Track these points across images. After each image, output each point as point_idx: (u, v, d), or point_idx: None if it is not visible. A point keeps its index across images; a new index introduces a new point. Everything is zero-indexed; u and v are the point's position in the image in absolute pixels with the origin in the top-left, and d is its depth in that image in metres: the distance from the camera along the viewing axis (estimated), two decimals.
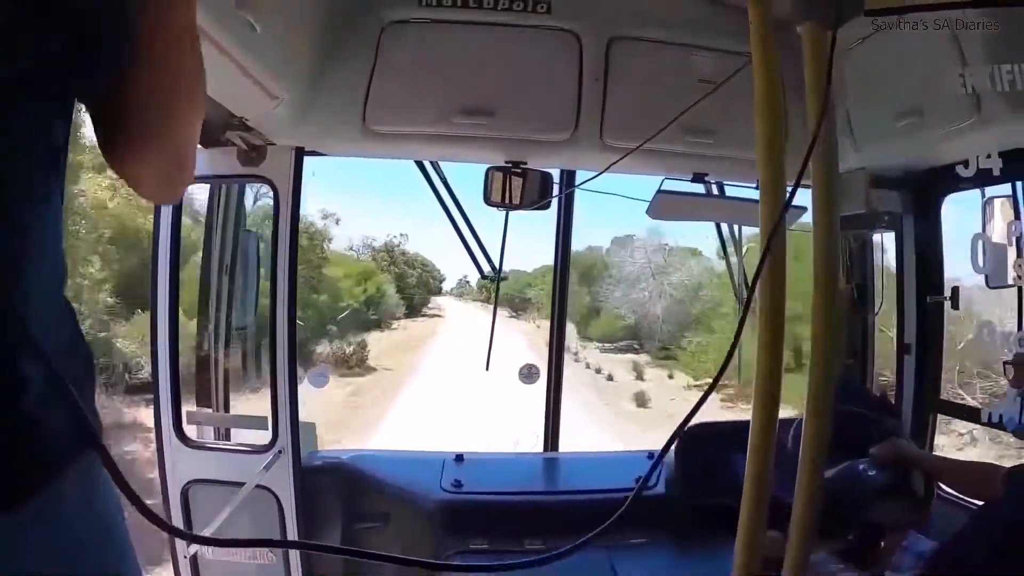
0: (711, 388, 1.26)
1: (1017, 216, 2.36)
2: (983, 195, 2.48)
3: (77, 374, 0.90)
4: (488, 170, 2.46)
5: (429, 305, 28.13)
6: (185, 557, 2.50)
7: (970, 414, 2.80)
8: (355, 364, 18.42)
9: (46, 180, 0.86)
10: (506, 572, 1.04)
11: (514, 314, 25.50)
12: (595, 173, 2.55)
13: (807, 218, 1.47)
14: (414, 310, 26.14)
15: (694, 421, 2.78)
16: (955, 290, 2.64)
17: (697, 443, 2.57)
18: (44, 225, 0.85)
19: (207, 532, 2.38)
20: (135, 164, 0.97)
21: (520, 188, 2.44)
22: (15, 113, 0.79)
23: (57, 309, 0.89)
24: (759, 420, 1.32)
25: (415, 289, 26.84)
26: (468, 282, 29.01)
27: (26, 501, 0.78)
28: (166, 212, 2.46)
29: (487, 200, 2.45)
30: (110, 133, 0.94)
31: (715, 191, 2.68)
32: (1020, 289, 2.33)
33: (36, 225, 0.83)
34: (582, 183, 2.49)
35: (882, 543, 2.22)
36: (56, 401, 0.83)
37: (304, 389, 2.65)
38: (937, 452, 2.92)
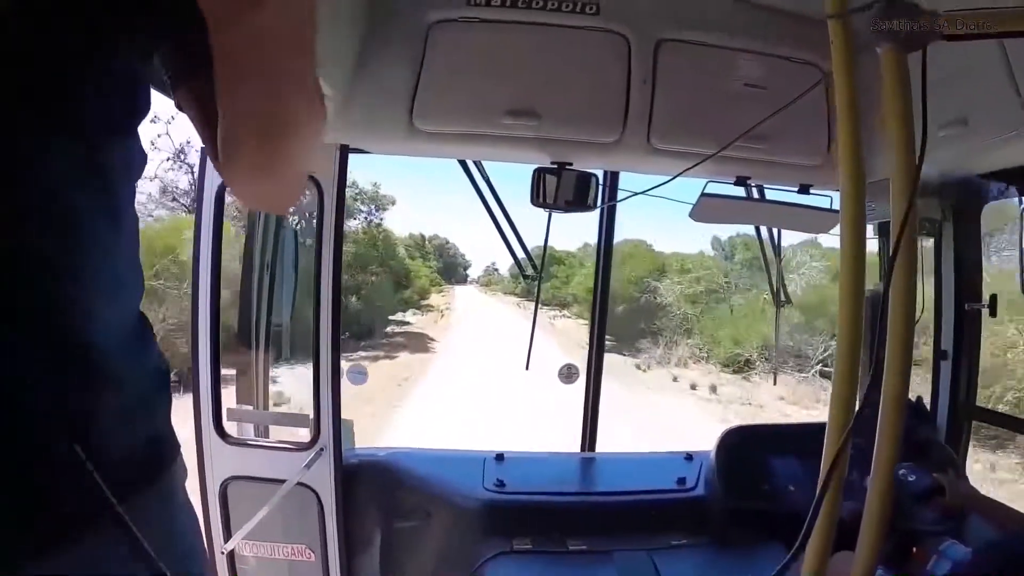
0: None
1: None
2: (1021, 203, 2.49)
3: (152, 388, 0.89)
4: (535, 171, 2.46)
5: (424, 306, 18.12)
6: (222, 553, 2.51)
7: (1007, 422, 2.82)
8: None
9: (125, 177, 0.84)
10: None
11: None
12: (640, 174, 2.57)
13: None
14: (374, 338, 14.53)
15: (733, 424, 2.78)
16: (993, 297, 2.65)
17: (736, 446, 2.59)
18: (121, 231, 0.83)
19: (246, 529, 2.39)
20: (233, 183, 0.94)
21: (566, 189, 2.44)
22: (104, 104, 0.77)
23: (133, 320, 0.87)
24: (834, 426, 1.32)
25: (372, 297, 14.68)
26: (496, 269, 24.00)
27: (102, 522, 0.77)
28: (207, 210, 2.45)
29: (533, 201, 2.45)
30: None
31: (755, 194, 2.68)
32: None
33: (114, 231, 0.81)
34: (645, 191, 2.49)
35: (916, 548, 2.23)
36: (134, 418, 0.82)
37: None
38: None
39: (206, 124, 0.89)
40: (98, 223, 0.78)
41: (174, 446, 0.92)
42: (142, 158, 0.88)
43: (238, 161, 0.85)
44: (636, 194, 2.66)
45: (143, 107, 0.86)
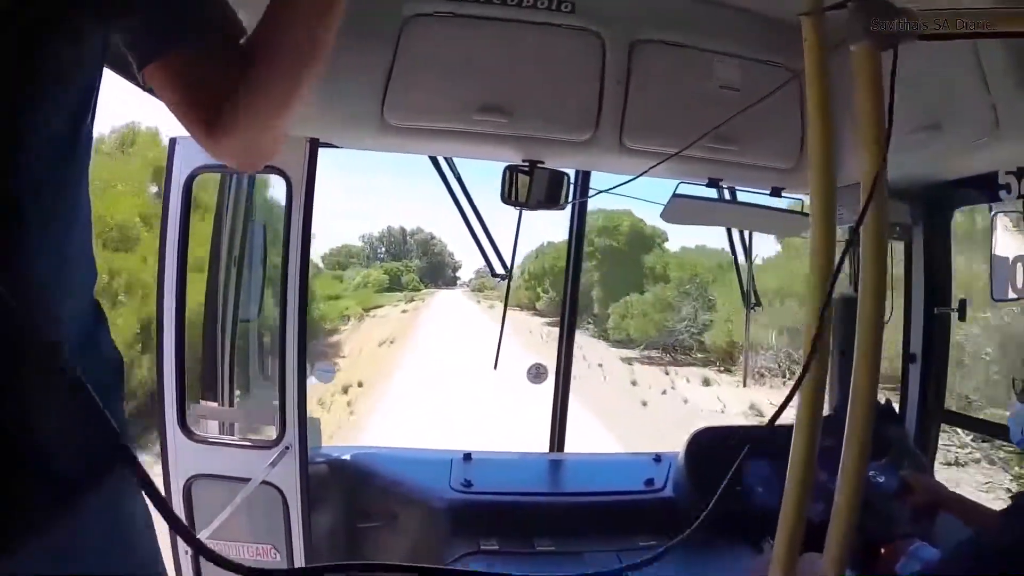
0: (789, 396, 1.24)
1: None
2: (991, 209, 2.51)
3: (105, 378, 0.87)
4: (505, 169, 2.44)
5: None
6: (187, 553, 2.46)
7: (975, 425, 2.85)
8: None
9: (73, 164, 0.82)
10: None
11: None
12: (611, 174, 2.57)
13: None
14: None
15: (703, 425, 2.78)
16: (963, 302, 2.68)
17: (706, 447, 2.59)
18: (72, 219, 0.82)
19: (211, 528, 2.35)
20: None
21: (537, 187, 2.43)
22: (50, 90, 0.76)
23: (85, 310, 0.86)
24: (802, 431, 1.31)
25: None
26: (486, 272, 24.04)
27: (55, 512, 0.77)
28: (174, 202, 2.41)
29: (503, 199, 2.44)
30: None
31: (727, 196, 2.69)
32: None
33: (65, 220, 0.80)
34: (610, 188, 2.49)
35: (885, 549, 2.24)
36: (84, 410, 0.80)
37: None
38: None
39: (185, 95, 0.94)
40: (47, 207, 0.76)
41: (127, 435, 0.91)
42: (89, 142, 0.85)
43: (260, 93, 0.96)
44: (602, 192, 2.67)
45: (93, 89, 0.84)
